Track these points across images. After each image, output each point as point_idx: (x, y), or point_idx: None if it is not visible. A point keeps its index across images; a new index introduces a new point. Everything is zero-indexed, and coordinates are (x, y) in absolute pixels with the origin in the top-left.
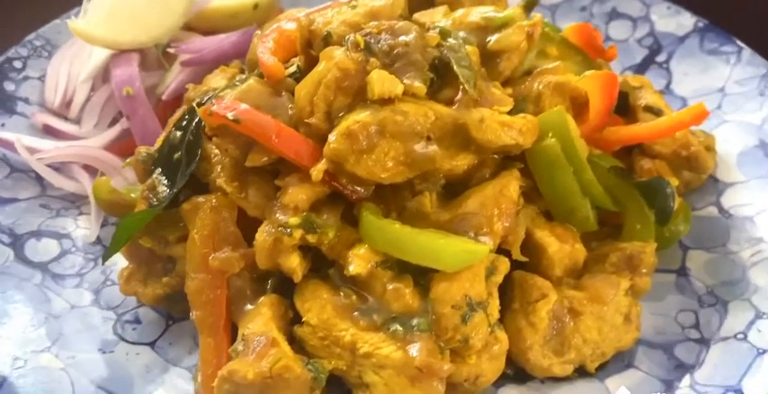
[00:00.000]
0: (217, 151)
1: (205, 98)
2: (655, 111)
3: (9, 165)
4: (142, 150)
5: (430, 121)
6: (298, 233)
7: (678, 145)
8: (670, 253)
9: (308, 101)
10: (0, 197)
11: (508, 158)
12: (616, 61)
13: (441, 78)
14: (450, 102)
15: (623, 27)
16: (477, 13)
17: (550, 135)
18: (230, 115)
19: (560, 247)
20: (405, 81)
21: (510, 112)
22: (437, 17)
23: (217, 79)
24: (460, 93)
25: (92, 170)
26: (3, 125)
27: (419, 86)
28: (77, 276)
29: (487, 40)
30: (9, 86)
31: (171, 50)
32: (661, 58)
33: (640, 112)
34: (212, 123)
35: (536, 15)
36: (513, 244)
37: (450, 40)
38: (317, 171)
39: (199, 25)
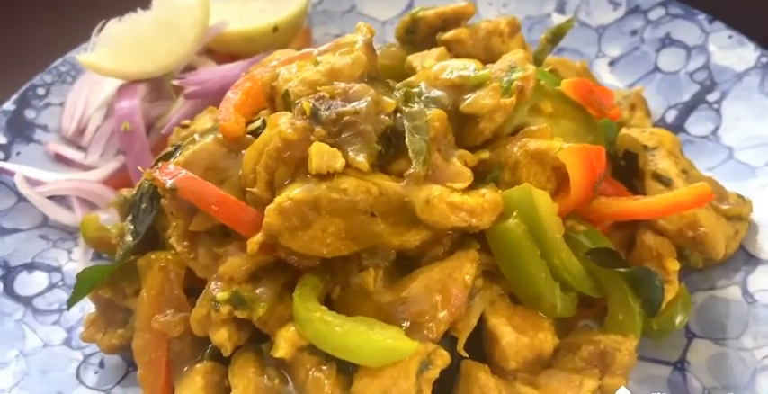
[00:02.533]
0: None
1: (177, 145)
2: (663, 181)
3: (17, 194)
4: (123, 192)
5: (372, 198)
6: (225, 309)
7: (685, 223)
8: (671, 340)
9: (251, 168)
10: (2, 228)
11: (467, 235)
12: (661, 97)
13: (395, 148)
14: (402, 175)
15: (676, 57)
16: (453, 70)
17: (515, 214)
18: (169, 183)
19: (516, 339)
20: (349, 154)
21: (484, 180)
22: (429, 61)
23: (204, 120)
24: (412, 167)
25: (91, 202)
26: (18, 153)
27: (361, 162)
28: (57, 312)
29: (463, 98)
30: (30, 114)
31: (176, 82)
32: (713, 96)
33: (648, 179)
34: (159, 186)
35: (529, 67)
36: (462, 332)
37: (413, 105)
38: (253, 243)
39: (219, 49)
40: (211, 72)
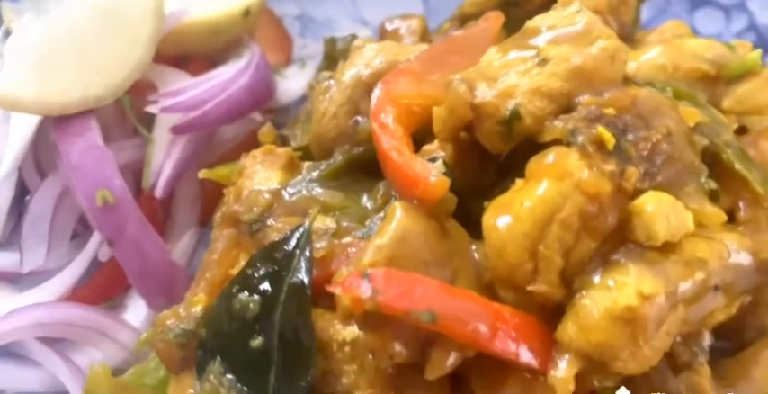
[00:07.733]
0: (345, 336)
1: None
2: None
3: None
4: (168, 320)
5: (722, 267)
6: None
7: None
8: None
9: (520, 253)
10: None
11: None
12: None
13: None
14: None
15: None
16: (692, 53)
17: None
18: (417, 312)
19: None
20: (689, 204)
21: None
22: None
23: (262, 171)
24: (743, 206)
25: (58, 340)
26: None
27: (714, 212)
28: None
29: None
30: None
31: (153, 109)
32: None
33: None
34: (357, 310)
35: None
36: None
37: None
38: (565, 383)
39: (168, 51)
40: (204, 88)
